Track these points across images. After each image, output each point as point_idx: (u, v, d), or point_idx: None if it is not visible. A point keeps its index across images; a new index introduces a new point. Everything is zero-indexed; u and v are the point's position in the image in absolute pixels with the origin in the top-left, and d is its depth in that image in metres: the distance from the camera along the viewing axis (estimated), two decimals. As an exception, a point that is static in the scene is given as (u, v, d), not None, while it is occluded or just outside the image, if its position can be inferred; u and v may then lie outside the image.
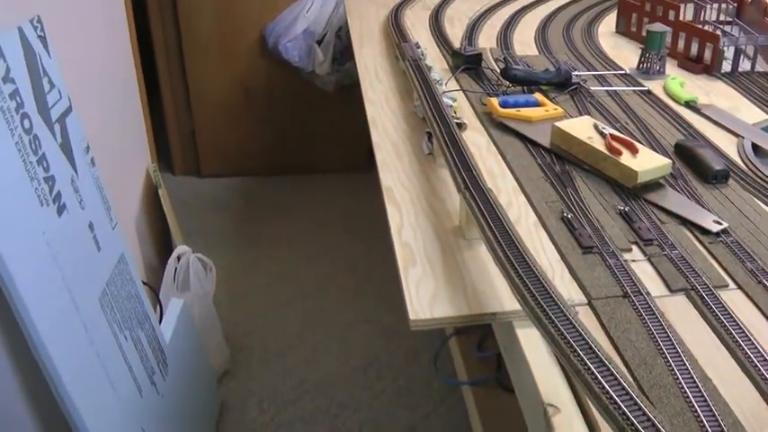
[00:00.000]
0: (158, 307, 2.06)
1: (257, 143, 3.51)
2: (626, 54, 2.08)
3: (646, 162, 1.31)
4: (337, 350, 2.47)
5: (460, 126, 1.49)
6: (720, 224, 1.20)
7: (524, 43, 2.21)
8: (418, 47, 1.99)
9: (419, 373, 2.35)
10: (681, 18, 2.05)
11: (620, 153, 1.33)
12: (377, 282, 2.75)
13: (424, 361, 2.38)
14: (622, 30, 2.27)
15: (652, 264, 1.11)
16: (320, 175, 3.53)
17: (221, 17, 3.24)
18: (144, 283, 1.93)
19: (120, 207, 2.01)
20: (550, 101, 1.67)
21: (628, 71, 1.90)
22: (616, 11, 2.38)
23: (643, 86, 1.79)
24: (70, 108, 1.49)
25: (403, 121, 1.65)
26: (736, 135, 1.55)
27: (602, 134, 1.41)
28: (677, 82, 1.79)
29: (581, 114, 1.64)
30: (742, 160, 1.44)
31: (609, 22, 2.41)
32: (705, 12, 2.22)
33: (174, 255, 2.19)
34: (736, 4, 2.24)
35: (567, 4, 2.65)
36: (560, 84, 1.77)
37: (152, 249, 2.41)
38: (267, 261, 2.95)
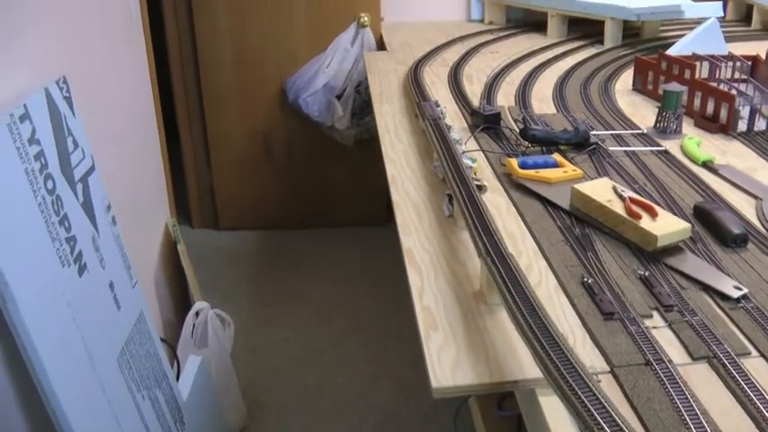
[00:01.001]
0: (176, 363, 2.07)
1: (276, 196, 3.54)
2: (643, 113, 2.09)
3: (665, 226, 1.32)
4: (356, 406, 2.46)
5: (481, 188, 1.51)
6: (741, 290, 1.20)
7: (542, 101, 2.23)
8: (438, 105, 2.01)
9: (438, 431, 2.33)
10: (696, 76, 2.07)
11: (639, 216, 1.34)
12: (396, 336, 2.75)
13: (443, 418, 2.36)
14: (639, 87, 2.29)
15: (673, 330, 1.11)
16: (338, 228, 3.55)
17: (242, 71, 3.29)
18: (161, 339, 1.94)
19: (139, 262, 2.03)
20: (569, 161, 1.68)
21: (645, 130, 1.91)
22: (632, 68, 2.40)
23: (660, 146, 1.81)
24: (93, 167, 1.52)
25: (423, 181, 1.67)
26: (755, 197, 1.55)
27: (621, 197, 1.42)
28: (694, 142, 1.80)
29: (600, 175, 1.65)
30: (761, 223, 1.45)
31: (625, 79, 2.43)
32: (720, 70, 2.24)
33: (193, 311, 2.20)
34: (750, 63, 2.27)
35: (584, 61, 2.68)
36: (579, 144, 1.78)
37: (170, 304, 2.42)
38: (285, 315, 2.95)
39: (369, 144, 3.25)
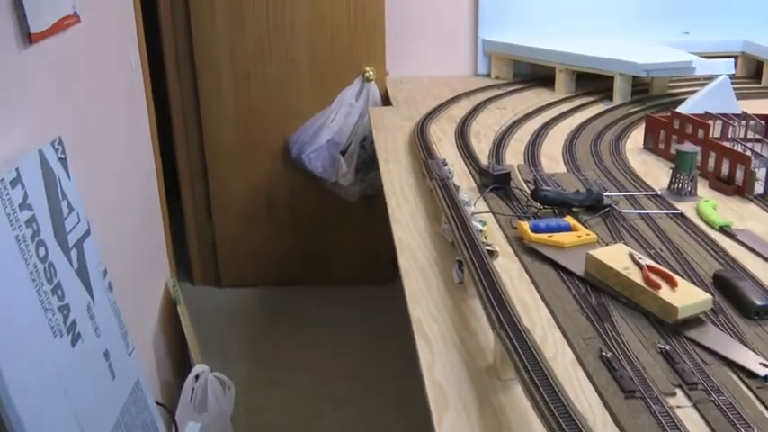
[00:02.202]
0: (174, 429, 2.01)
1: (278, 253, 3.49)
2: (656, 173, 2.06)
3: (686, 297, 1.27)
4: (358, 474, 2.39)
5: (492, 254, 1.47)
6: (767, 366, 1.15)
7: (552, 159, 2.20)
8: (445, 164, 1.98)
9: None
10: (709, 136, 2.04)
11: (658, 286, 1.30)
12: (400, 399, 2.68)
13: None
14: (650, 146, 2.26)
15: (699, 411, 1.07)
16: (341, 286, 3.49)
17: (245, 127, 3.27)
18: (160, 403, 1.89)
19: (138, 324, 1.98)
20: (582, 224, 1.65)
21: (659, 192, 1.88)
22: (643, 126, 2.38)
23: (676, 209, 1.77)
24: (88, 231, 1.48)
25: (431, 245, 1.63)
26: (776, 264, 1.51)
27: (638, 265, 1.38)
28: (710, 205, 1.77)
29: (614, 239, 1.61)
30: (784, 292, 1.40)
31: (636, 137, 2.41)
32: (732, 129, 2.22)
33: (192, 374, 2.15)
34: (764, 122, 2.24)
35: (592, 118, 2.66)
36: (592, 206, 1.75)
37: (169, 366, 2.37)
38: (287, 376, 2.89)
39: (373, 200, 3.22)
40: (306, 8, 3.08)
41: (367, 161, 3.20)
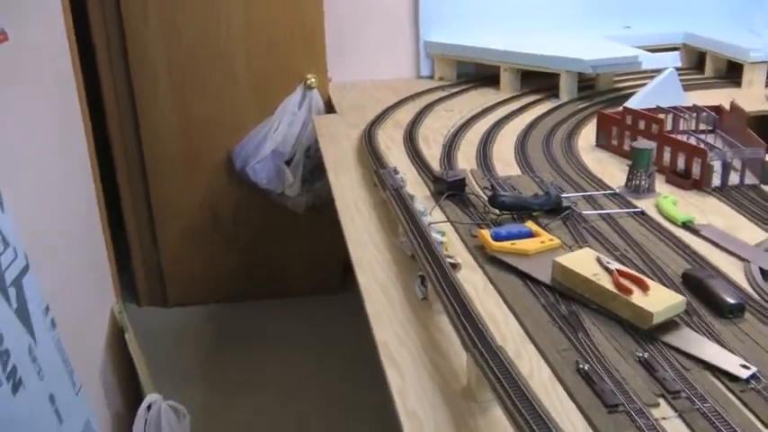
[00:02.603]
0: (129, 465, 1.92)
1: (226, 268, 3.40)
2: (611, 170, 2.04)
3: (659, 301, 1.24)
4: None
5: (455, 266, 1.42)
6: (748, 368, 1.12)
7: (505, 162, 2.16)
8: (397, 173, 1.93)
9: None
10: (663, 130, 2.02)
11: (630, 291, 1.26)
12: (364, 412, 2.62)
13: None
14: (603, 143, 2.23)
15: (685, 421, 1.03)
16: (293, 298, 3.41)
17: (186, 139, 3.17)
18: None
19: (84, 356, 1.89)
20: (544, 229, 1.61)
21: (617, 190, 1.85)
22: (593, 123, 2.36)
23: (636, 207, 1.74)
24: (27, 266, 1.39)
25: (390, 259, 1.57)
26: (741, 259, 1.49)
27: (607, 270, 1.34)
28: (670, 201, 1.74)
29: (577, 242, 1.57)
30: (753, 288, 1.38)
31: (587, 134, 2.39)
32: (684, 122, 2.21)
33: (144, 405, 2.05)
34: (714, 113, 2.23)
35: (541, 116, 2.63)
36: (551, 209, 1.71)
37: (119, 399, 2.27)
38: (243, 397, 2.80)
39: (321, 210, 3.15)
40: (241, 17, 3.00)
41: (313, 171, 3.13)
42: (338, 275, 3.36)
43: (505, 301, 1.37)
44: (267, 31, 3.03)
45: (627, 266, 1.42)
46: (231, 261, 3.40)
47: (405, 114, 2.75)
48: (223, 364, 3.03)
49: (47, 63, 2.08)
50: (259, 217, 3.32)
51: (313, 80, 3.08)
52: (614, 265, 1.35)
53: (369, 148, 2.24)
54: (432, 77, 3.37)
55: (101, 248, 2.47)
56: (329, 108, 3.08)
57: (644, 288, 1.27)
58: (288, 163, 3.13)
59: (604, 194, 1.84)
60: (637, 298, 1.25)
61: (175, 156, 3.19)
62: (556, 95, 2.91)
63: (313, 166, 3.13)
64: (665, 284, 1.36)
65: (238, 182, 3.21)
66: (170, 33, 2.99)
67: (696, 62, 3.30)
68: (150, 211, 3.31)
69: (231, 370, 2.98)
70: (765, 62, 2.88)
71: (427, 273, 1.36)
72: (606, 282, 1.30)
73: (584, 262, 1.38)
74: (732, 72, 3.07)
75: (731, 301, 1.28)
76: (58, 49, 2.22)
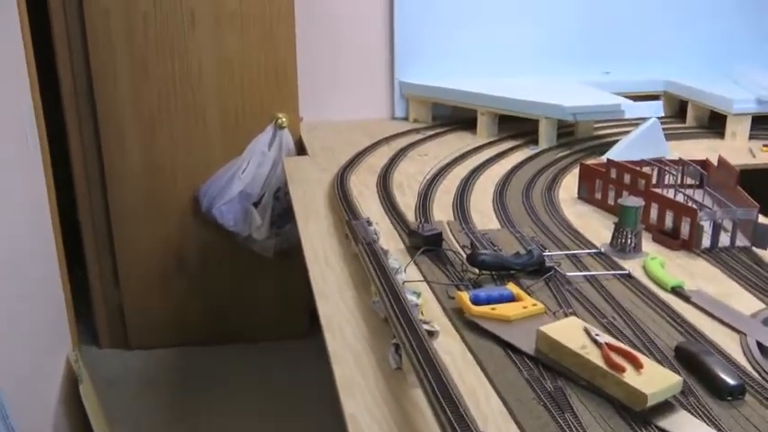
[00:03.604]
0: None
1: (191, 312, 3.29)
2: (595, 226, 1.96)
3: (653, 381, 1.15)
4: None
5: (431, 334, 1.32)
6: (752, 460, 1.03)
7: (483, 214, 2.08)
8: (370, 224, 1.84)
9: None
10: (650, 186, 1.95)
11: (622, 369, 1.17)
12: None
13: None
14: (585, 196, 2.16)
15: None
16: (261, 343, 3.31)
17: (151, 179, 3.07)
18: None
19: (33, 410, 1.77)
20: (526, 291, 1.52)
21: (602, 249, 1.77)
22: (574, 172, 2.29)
23: (623, 269, 1.66)
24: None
25: (362, 321, 1.47)
26: (737, 330, 1.41)
27: (596, 342, 1.25)
28: (658, 262, 1.66)
29: (561, 307, 1.49)
30: (751, 365, 1.30)
31: (568, 185, 2.32)
32: (670, 176, 2.14)
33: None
34: (701, 167, 2.17)
35: (520, 165, 2.57)
36: (533, 269, 1.62)
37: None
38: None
39: (289, 253, 3.06)
40: (212, 55, 2.93)
41: (282, 213, 3.04)
42: (306, 319, 3.28)
43: (486, 374, 1.28)
44: (238, 69, 2.97)
45: (616, 337, 1.34)
46: (196, 304, 3.29)
47: (378, 158, 2.68)
48: (187, 411, 2.91)
49: (6, 107, 1.98)
50: (226, 260, 3.23)
51: (284, 119, 3.01)
52: (604, 338, 1.26)
53: (340, 196, 2.15)
54: (406, 119, 3.32)
55: (57, 292, 2.35)
56: (300, 148, 3.00)
57: (637, 365, 1.18)
58: (256, 205, 3.04)
59: (589, 253, 1.76)
60: (629, 377, 1.16)
61: (139, 196, 3.10)
62: (534, 142, 2.85)
63: (282, 209, 3.04)
64: (656, 358, 1.27)
65: (204, 223, 3.11)
66: (138, 73, 2.91)
67: (677, 110, 3.26)
68: (113, 252, 3.20)
69: (195, 418, 2.86)
70: (749, 114, 2.84)
71: (402, 341, 1.26)
72: (595, 356, 1.21)
73: (571, 332, 1.29)
74: (715, 122, 3.02)
75: (731, 382, 1.19)
76: (20, 90, 2.12)
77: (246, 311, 3.32)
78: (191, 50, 2.91)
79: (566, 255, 1.75)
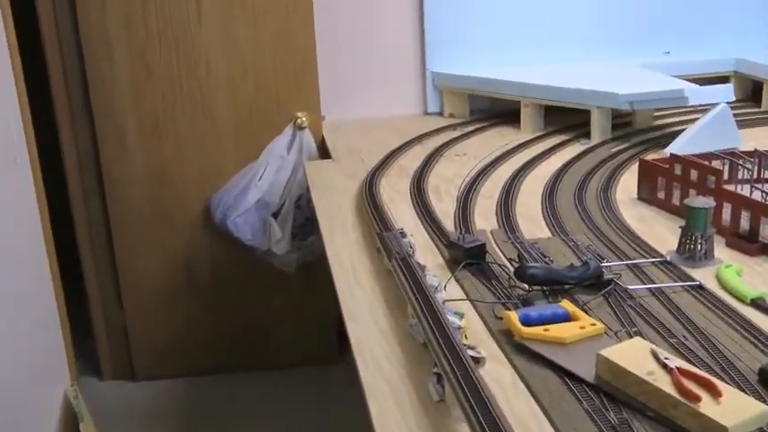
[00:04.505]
0: None
1: (204, 336, 3.31)
2: (658, 230, 1.94)
3: (735, 411, 1.12)
4: None
5: (477, 361, 1.31)
6: None
7: (531, 220, 2.07)
8: (404, 235, 1.84)
9: None
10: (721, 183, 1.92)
11: (697, 398, 1.14)
12: None
13: None
14: (646, 196, 2.14)
15: None
16: (281, 371, 3.31)
17: (156, 187, 3.10)
18: None
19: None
20: (582, 309, 1.50)
21: (668, 257, 1.75)
22: (632, 169, 2.28)
23: (693, 280, 1.63)
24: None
25: (398, 348, 1.47)
26: (830, 348, 1.38)
27: (665, 367, 1.22)
28: (733, 271, 1.64)
29: (624, 327, 1.47)
30: None
31: (626, 185, 2.30)
32: (743, 170, 2.11)
33: None
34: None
35: (570, 162, 2.55)
36: (590, 283, 1.60)
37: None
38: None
39: (314, 268, 3.07)
40: (221, 49, 2.95)
41: (304, 224, 3.05)
42: (334, 343, 3.29)
43: (540, 405, 1.26)
44: (252, 66, 3.00)
45: (688, 360, 1.31)
46: (209, 327, 3.31)
47: (411, 160, 2.68)
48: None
49: None
50: (241, 277, 3.25)
51: (304, 119, 3.02)
52: (674, 362, 1.23)
53: (370, 205, 2.14)
54: (441, 114, 3.32)
55: (53, 319, 2.37)
56: (323, 151, 3.01)
57: (714, 393, 1.15)
58: (275, 215, 3.05)
59: (653, 263, 1.73)
60: (706, 407, 1.13)
61: (144, 206, 3.12)
62: (586, 135, 2.83)
63: (304, 219, 3.05)
64: (737, 384, 1.24)
65: (218, 237, 3.13)
66: (139, 71, 2.94)
67: (750, 94, 3.23)
68: (115, 269, 3.23)
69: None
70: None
71: (444, 370, 1.25)
72: (665, 383, 1.19)
73: (636, 356, 1.27)
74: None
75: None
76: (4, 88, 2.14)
77: (266, 335, 3.33)
78: (197, 45, 2.94)
79: (626, 265, 1.72)
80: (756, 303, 1.53)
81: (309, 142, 3.03)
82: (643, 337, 1.38)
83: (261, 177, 3.03)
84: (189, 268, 3.23)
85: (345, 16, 3.23)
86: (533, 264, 1.65)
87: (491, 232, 1.98)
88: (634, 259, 1.76)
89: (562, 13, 3.30)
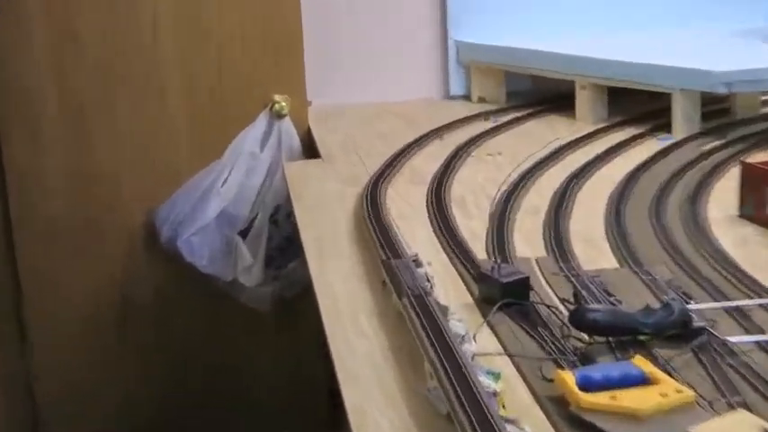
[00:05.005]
0: None
1: (143, 393, 3.34)
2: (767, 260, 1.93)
3: None
4: None
5: (520, 439, 1.29)
6: None
7: (591, 244, 2.07)
8: (418, 264, 1.85)
9: None
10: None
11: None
12: None
13: None
14: (750, 213, 2.14)
15: None
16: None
17: (81, 194, 3.14)
18: None
19: None
20: (662, 368, 1.48)
21: (782, 297, 1.74)
22: (732, 177, 2.30)
23: (818, 331, 1.62)
24: None
25: (411, 420, 1.45)
26: None
27: (783, 455, 1.21)
28: None
29: (721, 393, 1.45)
30: None
31: (722, 197, 2.31)
32: None
33: None
34: None
35: (644, 166, 2.56)
36: (673, 332, 1.59)
37: None
38: None
39: (293, 307, 3.10)
40: (173, 10, 2.98)
41: (283, 246, 3.09)
42: (324, 401, 3.28)
43: (606, 504, 1.25)
44: (216, 33, 3.02)
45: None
46: (151, 382, 3.36)
47: (427, 161, 2.71)
48: None
49: None
50: (199, 316, 3.30)
51: (283, 104, 3.06)
52: (796, 450, 1.22)
53: (372, 221, 2.15)
54: (468, 98, 3.34)
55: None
56: (309, 149, 3.04)
57: None
58: (243, 233, 3.07)
59: (761, 305, 1.72)
60: None
61: (64, 218, 3.17)
62: (666, 128, 2.86)
63: (283, 239, 3.10)
64: None
65: (165, 261, 3.19)
66: (59, 31, 2.98)
67: None
68: (19, 302, 3.23)
69: None
70: None
71: (475, 453, 1.24)
72: (783, 478, 1.18)
73: (741, 437, 1.25)
74: None
75: None
76: None
77: (231, 392, 3.36)
78: (140, 3, 2.95)
79: (724, 308, 1.71)
80: None
81: (291, 136, 3.07)
82: (749, 410, 1.36)
83: (225, 182, 3.07)
84: (126, 302, 3.26)
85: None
86: (595, 306, 1.65)
87: (537, 261, 1.98)
88: (735, 299, 1.75)
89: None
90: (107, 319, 3.25)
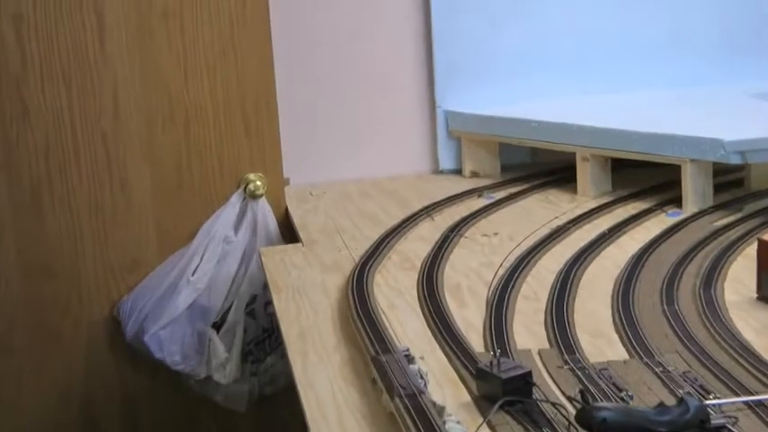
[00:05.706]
0: None
1: None
2: (791, 347, 1.96)
3: None
4: None
5: None
6: None
7: (598, 333, 2.08)
8: (411, 360, 1.87)
9: None
10: None
11: None
12: None
13: None
14: (768, 294, 2.16)
15: None
16: None
17: (35, 284, 3.12)
18: None
19: None
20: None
21: (809, 390, 1.76)
22: (749, 257, 2.33)
23: None
24: None
25: None
26: None
27: None
28: None
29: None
30: None
31: (740, 277, 2.32)
32: None
33: None
34: None
35: (653, 244, 2.57)
36: (690, 431, 1.61)
37: None
38: None
39: (273, 405, 3.09)
40: (135, 81, 2.99)
41: (260, 339, 3.08)
42: None
43: None
44: (183, 105, 3.03)
45: None
46: None
47: (418, 243, 2.72)
48: None
49: None
50: (168, 419, 3.27)
51: (258, 183, 3.07)
52: None
53: (359, 313, 2.17)
54: (459, 173, 3.36)
55: None
56: (287, 232, 3.06)
57: None
58: (217, 326, 3.08)
59: (784, 400, 1.74)
60: None
61: (14, 313, 3.16)
62: (676, 203, 2.88)
63: (261, 331, 3.10)
64: None
65: (130, 360, 3.18)
66: (11, 107, 3.00)
67: None
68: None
69: None
70: None
71: None
72: None
73: None
74: None
75: None
76: None
77: None
78: (99, 76, 2.97)
79: (746, 402, 1.73)
80: None
81: (267, 218, 3.08)
82: None
83: (195, 271, 3.06)
84: (87, 408, 3.25)
85: (318, 31, 3.28)
86: (603, 403, 1.66)
87: (539, 353, 1.99)
88: (757, 394, 1.76)
89: (631, 19, 3.36)
90: (65, 425, 3.23)
